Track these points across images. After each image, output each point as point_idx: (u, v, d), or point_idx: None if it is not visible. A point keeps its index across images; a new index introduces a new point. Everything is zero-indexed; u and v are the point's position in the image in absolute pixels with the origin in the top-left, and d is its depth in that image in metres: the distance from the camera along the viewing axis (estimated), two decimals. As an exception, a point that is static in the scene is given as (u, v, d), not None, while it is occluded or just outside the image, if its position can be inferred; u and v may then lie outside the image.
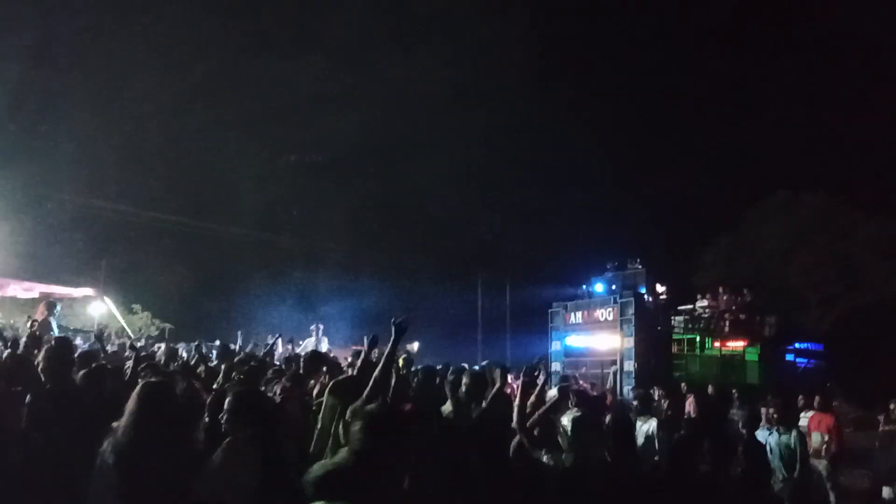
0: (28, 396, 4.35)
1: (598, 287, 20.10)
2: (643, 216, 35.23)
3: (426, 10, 32.76)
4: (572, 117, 36.32)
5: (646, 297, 18.64)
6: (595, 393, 15.12)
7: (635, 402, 7.24)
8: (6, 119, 24.26)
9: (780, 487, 7.00)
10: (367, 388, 4.25)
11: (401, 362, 5.61)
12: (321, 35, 33.82)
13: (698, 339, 19.82)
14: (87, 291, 17.97)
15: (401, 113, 35.27)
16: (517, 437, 4.23)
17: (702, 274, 29.15)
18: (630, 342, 17.27)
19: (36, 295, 18.11)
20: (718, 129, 36.60)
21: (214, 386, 5.49)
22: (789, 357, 20.85)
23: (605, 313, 18.43)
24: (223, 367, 6.33)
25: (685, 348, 19.52)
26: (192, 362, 7.46)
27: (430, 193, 36.15)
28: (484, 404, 4.50)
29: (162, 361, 7.39)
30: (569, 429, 3.98)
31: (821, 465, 8.68)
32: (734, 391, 13.84)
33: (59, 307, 12.70)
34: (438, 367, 9.14)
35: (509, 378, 7.52)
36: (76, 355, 5.73)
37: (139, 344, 10.82)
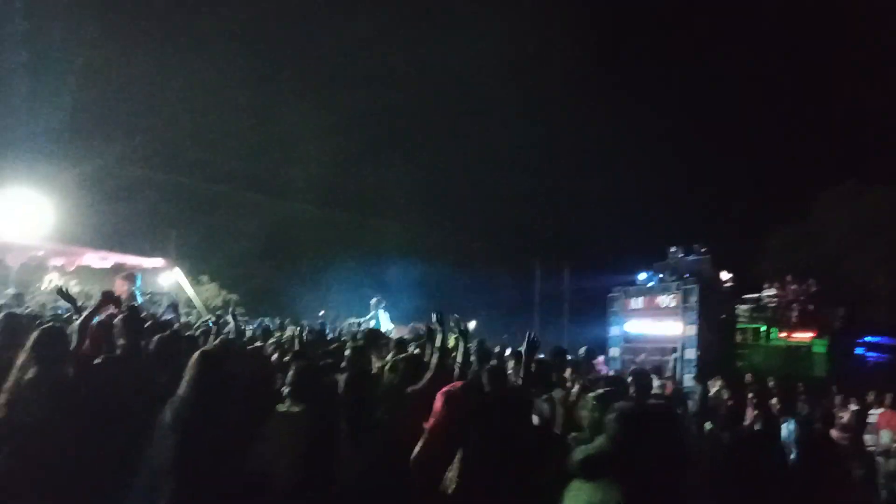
0: (101, 359, 4.52)
1: (661, 273, 19.75)
2: (708, 201, 34.28)
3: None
4: (636, 99, 35.52)
5: (710, 284, 18.22)
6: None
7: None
8: (82, 91, 25.17)
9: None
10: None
11: (452, 341, 5.62)
12: (384, 5, 33.71)
13: (763, 328, 19.30)
14: (158, 262, 18.56)
15: (465, 92, 35.08)
16: None
17: (768, 262, 28.34)
18: (692, 330, 16.96)
19: (110, 264, 18.85)
20: (788, 113, 35.27)
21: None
22: (859, 351, 20.11)
23: (667, 300, 18.14)
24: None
25: (749, 338, 19.06)
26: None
27: (489, 173, 36.05)
28: None
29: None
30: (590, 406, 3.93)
31: (891, 464, 8.41)
32: (800, 384, 13.51)
33: (139, 277, 13.13)
34: (496, 349, 9.23)
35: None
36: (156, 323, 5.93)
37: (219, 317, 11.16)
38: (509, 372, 5.57)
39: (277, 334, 7.89)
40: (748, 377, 13.26)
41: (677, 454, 3.78)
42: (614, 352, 19.60)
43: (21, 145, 22.29)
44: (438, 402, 4.10)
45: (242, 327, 9.54)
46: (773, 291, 20.31)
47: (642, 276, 20.06)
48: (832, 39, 34.65)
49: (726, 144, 35.49)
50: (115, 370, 4.37)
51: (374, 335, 7.25)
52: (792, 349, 19.10)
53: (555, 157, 36.12)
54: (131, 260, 18.99)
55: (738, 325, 18.70)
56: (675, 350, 17.30)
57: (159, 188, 28.79)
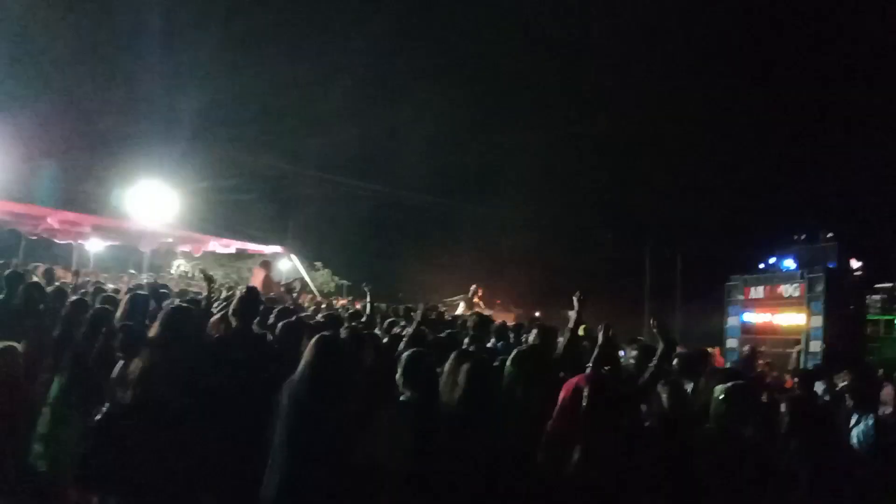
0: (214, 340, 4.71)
1: (785, 261, 18.75)
2: (837, 183, 32.14)
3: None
4: (754, 76, 33.74)
5: (838, 273, 17.15)
6: (774, 373, 14.30)
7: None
8: (207, 88, 26.55)
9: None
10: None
11: (581, 331, 5.54)
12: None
13: (896, 320, 18.00)
14: (277, 249, 19.37)
15: (573, 75, 34.43)
16: None
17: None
18: (818, 321, 16.02)
19: (233, 251, 19.89)
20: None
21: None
22: None
23: (790, 289, 17.19)
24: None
25: (881, 330, 17.81)
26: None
27: (599, 158, 35.33)
28: None
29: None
30: (721, 398, 3.79)
31: None
32: (939, 381, 12.51)
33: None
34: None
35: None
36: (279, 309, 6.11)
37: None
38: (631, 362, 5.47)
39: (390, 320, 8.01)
40: (881, 372, 12.36)
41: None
42: (732, 343, 18.79)
43: (150, 140, 23.80)
44: (565, 393, 4.09)
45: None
46: (908, 280, 18.89)
47: (771, 261, 19.04)
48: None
49: (855, 122, 33.11)
50: (229, 351, 4.48)
51: (485, 322, 7.23)
52: (928, 343, 17.71)
53: (668, 139, 34.86)
54: (252, 247, 19.95)
55: (869, 317, 17.49)
56: (798, 342, 16.45)
57: (277, 178, 30.04)
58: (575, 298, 5.29)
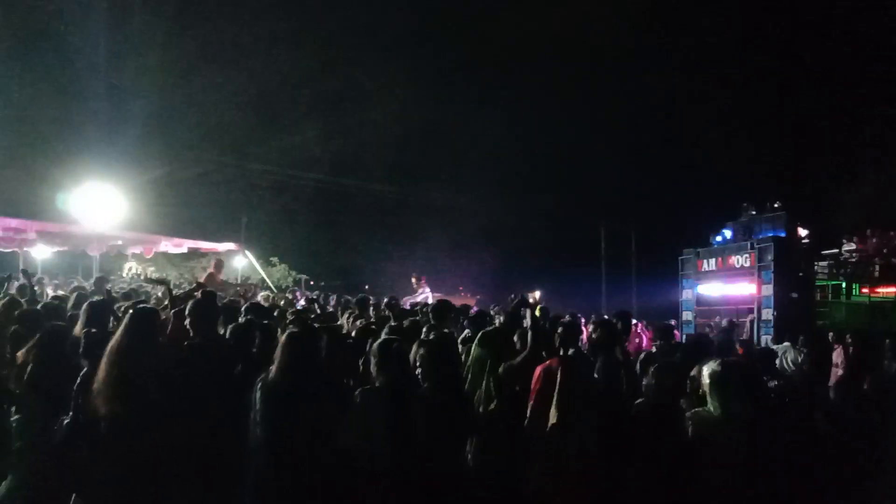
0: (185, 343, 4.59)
1: (733, 232, 19.18)
2: (781, 154, 32.98)
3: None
4: (703, 51, 34.32)
5: (786, 241, 17.60)
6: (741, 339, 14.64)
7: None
8: (155, 85, 25.93)
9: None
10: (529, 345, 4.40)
11: (538, 312, 5.61)
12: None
13: (844, 285, 18.59)
14: (231, 246, 19.06)
15: (527, 58, 34.58)
16: None
17: (847, 215, 27.16)
18: (769, 289, 16.43)
19: (185, 250, 19.49)
20: (859, 56, 33.43)
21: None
22: (949, 304, 19.17)
23: (741, 259, 17.58)
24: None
25: (829, 295, 18.40)
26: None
27: (551, 137, 35.59)
28: None
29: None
30: (707, 382, 3.85)
31: None
32: (887, 340, 12.96)
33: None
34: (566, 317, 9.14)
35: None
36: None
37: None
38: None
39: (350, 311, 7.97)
40: (831, 335, 12.76)
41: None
42: (687, 315, 19.19)
43: (96, 141, 23.17)
44: (537, 376, 4.16)
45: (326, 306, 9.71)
46: (853, 246, 19.53)
47: (719, 237, 19.44)
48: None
49: (798, 94, 33.98)
50: (195, 356, 4.43)
51: (444, 308, 7.20)
52: (875, 305, 18.35)
53: (618, 117, 35.30)
54: (205, 245, 19.59)
55: (817, 283, 18.04)
56: (750, 311, 16.86)
57: (228, 176, 29.55)
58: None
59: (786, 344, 11.50)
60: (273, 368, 3.75)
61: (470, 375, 4.55)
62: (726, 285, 18.19)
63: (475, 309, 9.61)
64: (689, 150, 34.52)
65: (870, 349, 11.63)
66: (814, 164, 31.58)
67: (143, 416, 3.69)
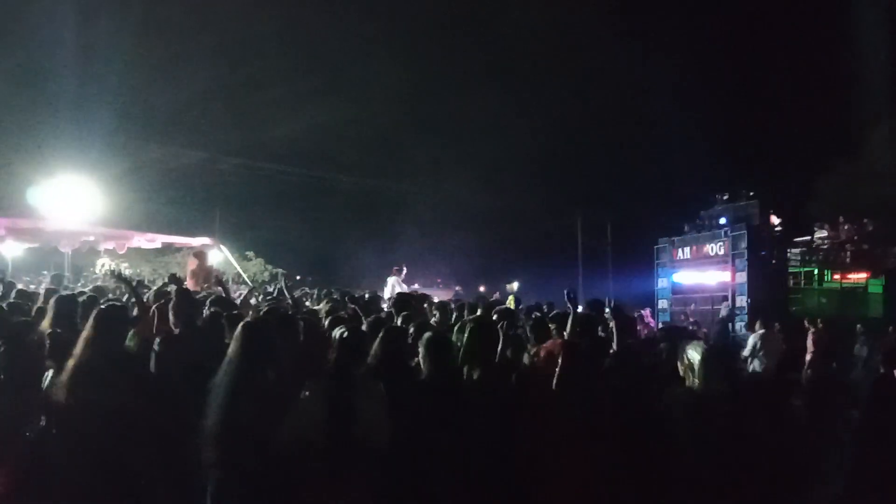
0: (157, 339, 4.60)
1: (708, 220, 19.37)
2: (754, 143, 33.33)
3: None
4: (675, 41, 34.52)
5: (760, 229, 17.80)
6: (704, 330, 14.84)
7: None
8: (125, 77, 25.56)
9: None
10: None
11: (511, 302, 5.65)
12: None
13: (816, 271, 18.87)
14: (205, 240, 18.82)
15: (501, 51, 34.58)
16: None
17: (819, 203, 27.51)
18: (743, 277, 16.63)
19: (158, 245, 19.25)
20: (834, 44, 33.75)
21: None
22: (918, 289, 19.51)
23: (715, 247, 17.77)
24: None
25: (802, 282, 18.66)
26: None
27: (527, 129, 35.65)
28: None
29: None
30: (698, 361, 3.94)
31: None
32: (858, 326, 13.19)
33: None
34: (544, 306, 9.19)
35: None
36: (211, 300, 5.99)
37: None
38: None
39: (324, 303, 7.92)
40: (806, 322, 12.94)
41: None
42: (663, 304, 19.37)
43: (68, 134, 22.80)
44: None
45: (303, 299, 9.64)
46: (824, 233, 19.81)
47: (692, 225, 19.62)
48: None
49: (770, 82, 34.30)
50: (171, 348, 4.46)
51: (404, 300, 7.18)
52: (846, 291, 18.67)
53: (594, 109, 35.43)
54: (179, 240, 19.37)
55: (790, 270, 18.28)
56: (725, 299, 17.06)
57: (202, 170, 29.21)
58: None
59: (760, 331, 11.71)
60: (227, 356, 3.73)
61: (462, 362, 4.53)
62: (701, 273, 18.39)
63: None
64: (664, 141, 34.73)
65: (840, 334, 11.91)
66: (786, 153, 31.95)
67: (115, 416, 3.64)
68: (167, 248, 21.11)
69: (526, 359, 4.84)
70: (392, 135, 34.48)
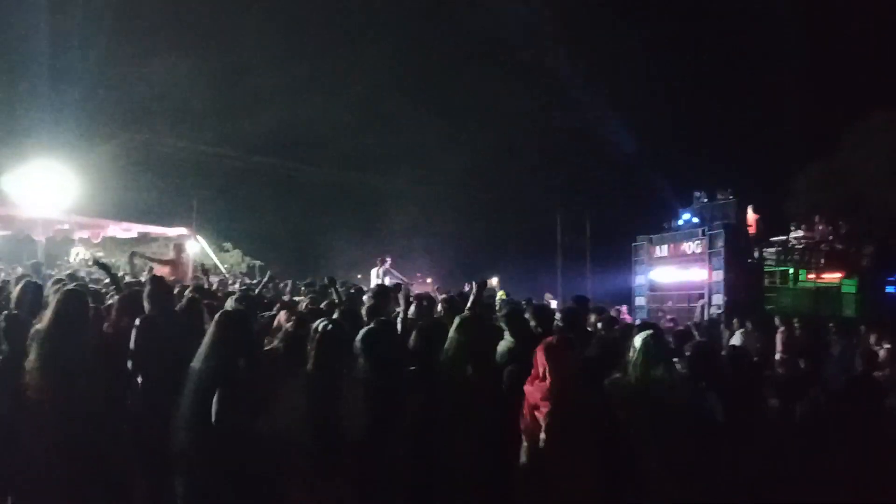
0: (136, 323, 4.54)
1: (686, 218, 19.50)
2: (732, 143, 33.63)
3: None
4: (653, 40, 34.70)
5: (737, 228, 17.95)
6: (680, 328, 14.93)
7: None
8: (104, 65, 25.18)
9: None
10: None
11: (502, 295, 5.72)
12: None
13: (791, 271, 19.06)
14: (182, 230, 18.63)
15: (482, 47, 34.56)
16: None
17: (795, 202, 27.81)
18: (719, 275, 16.74)
19: (134, 235, 19.03)
20: (810, 44, 34.10)
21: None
22: (890, 290, 19.80)
23: (692, 246, 17.88)
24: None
25: (777, 281, 18.84)
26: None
27: (506, 124, 35.68)
28: None
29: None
30: (637, 347, 3.95)
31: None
32: (830, 324, 13.35)
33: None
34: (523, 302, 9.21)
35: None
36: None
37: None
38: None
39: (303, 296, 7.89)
40: (777, 320, 13.09)
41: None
42: (640, 301, 19.47)
43: (43, 119, 22.43)
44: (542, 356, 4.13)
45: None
46: (800, 233, 20.00)
47: (670, 223, 19.73)
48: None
49: (748, 83, 34.62)
50: (150, 328, 4.41)
51: (384, 291, 7.15)
52: (821, 290, 18.86)
53: (574, 105, 35.54)
54: (155, 230, 19.16)
55: (766, 269, 18.45)
56: (701, 297, 17.18)
57: (180, 159, 28.89)
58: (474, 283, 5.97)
59: (740, 330, 11.90)
60: (203, 344, 3.70)
61: (449, 356, 4.48)
62: (678, 271, 18.50)
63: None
64: (643, 139, 34.93)
65: (813, 332, 12.06)
66: (764, 153, 32.31)
67: (77, 400, 3.57)
68: (143, 238, 20.84)
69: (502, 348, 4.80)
70: (374, 128, 34.42)
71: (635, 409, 3.74)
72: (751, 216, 18.83)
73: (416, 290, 12.29)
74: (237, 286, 11.56)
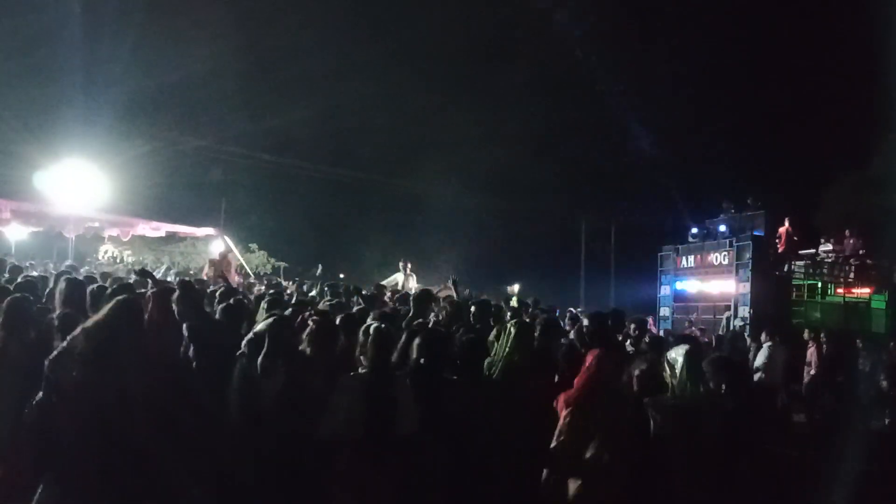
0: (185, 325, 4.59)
1: (713, 229, 19.33)
2: (762, 153, 33.25)
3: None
4: (685, 48, 34.40)
5: (764, 240, 17.75)
6: (706, 339, 14.77)
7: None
8: (134, 63, 25.55)
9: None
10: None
11: (515, 302, 5.74)
12: None
13: (820, 284, 18.80)
14: (209, 231, 18.86)
15: (507, 53, 34.54)
16: None
17: (825, 215, 27.39)
18: (746, 287, 16.58)
19: (162, 234, 19.27)
20: (845, 55, 33.62)
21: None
22: (921, 306, 19.42)
23: (719, 257, 17.73)
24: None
25: (805, 294, 18.59)
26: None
27: (534, 132, 35.59)
28: None
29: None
30: (680, 363, 3.89)
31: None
32: (858, 340, 13.14)
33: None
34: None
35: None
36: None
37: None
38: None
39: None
40: (806, 334, 12.89)
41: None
42: (665, 311, 19.32)
43: (76, 119, 22.79)
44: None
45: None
46: (829, 247, 19.73)
47: (694, 231, 19.55)
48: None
49: (780, 91, 34.20)
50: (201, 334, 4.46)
51: (426, 296, 7.18)
52: (849, 305, 18.58)
53: (601, 114, 35.35)
54: (183, 229, 19.39)
55: (794, 282, 18.22)
56: (727, 308, 17.01)
57: (209, 161, 29.23)
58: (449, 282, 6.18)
59: (768, 343, 11.73)
60: (264, 349, 3.76)
61: (498, 355, 4.52)
62: (704, 282, 18.34)
63: None
64: (671, 147, 34.69)
65: (843, 347, 11.87)
66: (794, 165, 31.88)
67: (121, 392, 3.61)
68: (171, 237, 21.12)
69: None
70: (403, 131, 34.41)
71: (676, 426, 3.70)
72: (782, 228, 18.60)
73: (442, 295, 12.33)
74: (261, 288, 11.66)
